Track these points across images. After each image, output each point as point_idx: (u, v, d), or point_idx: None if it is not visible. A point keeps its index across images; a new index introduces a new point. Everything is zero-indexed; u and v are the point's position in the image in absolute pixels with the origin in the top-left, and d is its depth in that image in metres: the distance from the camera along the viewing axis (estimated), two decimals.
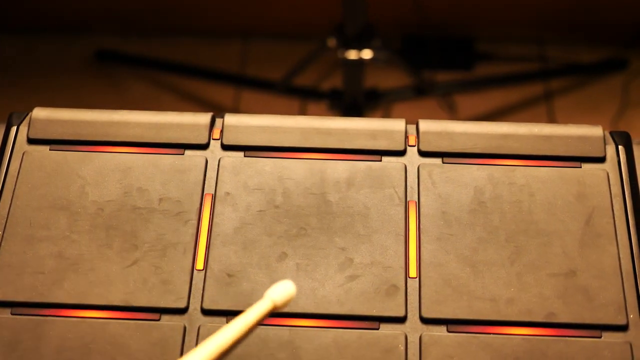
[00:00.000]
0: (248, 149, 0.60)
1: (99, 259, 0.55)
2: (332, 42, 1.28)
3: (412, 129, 0.61)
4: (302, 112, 1.47)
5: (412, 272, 0.55)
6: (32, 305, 0.53)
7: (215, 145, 0.60)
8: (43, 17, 1.58)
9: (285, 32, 1.57)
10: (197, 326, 0.52)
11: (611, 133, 0.61)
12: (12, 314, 0.53)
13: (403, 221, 0.57)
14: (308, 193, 0.58)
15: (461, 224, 0.57)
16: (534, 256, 0.55)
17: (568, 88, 1.53)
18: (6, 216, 0.57)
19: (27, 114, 0.61)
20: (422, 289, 0.54)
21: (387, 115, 1.47)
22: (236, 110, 1.49)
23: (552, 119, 1.48)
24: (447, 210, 0.57)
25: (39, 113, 0.61)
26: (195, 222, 0.57)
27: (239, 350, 0.50)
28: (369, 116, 1.40)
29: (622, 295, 0.53)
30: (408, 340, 0.52)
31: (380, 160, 0.60)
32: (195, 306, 0.53)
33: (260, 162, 0.59)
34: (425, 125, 0.61)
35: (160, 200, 0.58)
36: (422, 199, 0.58)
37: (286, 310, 0.52)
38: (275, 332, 0.52)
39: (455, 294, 0.53)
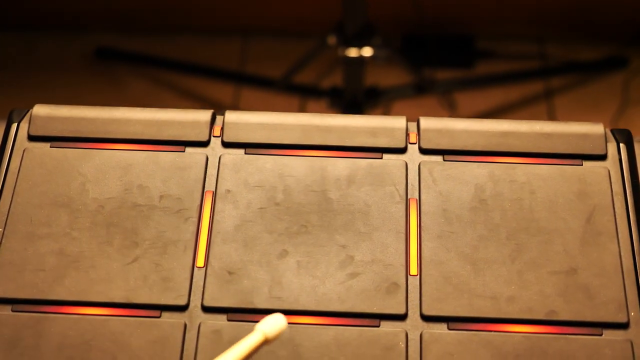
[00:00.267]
0: (249, 146, 0.60)
1: (100, 256, 0.55)
2: (332, 39, 1.28)
3: (412, 126, 0.61)
4: (302, 110, 1.47)
5: (413, 269, 0.55)
6: (32, 302, 0.53)
7: (215, 142, 0.60)
8: (43, 15, 1.58)
9: (285, 29, 1.57)
10: (198, 323, 0.52)
11: (612, 131, 0.61)
12: (12, 311, 0.53)
13: (404, 219, 0.57)
14: (309, 190, 0.58)
15: (462, 222, 0.56)
16: (534, 254, 0.55)
17: (568, 86, 1.53)
18: (7, 213, 0.57)
19: (27, 111, 0.61)
20: (422, 286, 0.54)
21: (387, 113, 1.47)
22: (236, 108, 1.49)
23: (552, 117, 1.48)
24: (448, 207, 0.57)
25: (39, 110, 0.61)
26: (195, 219, 0.56)
27: None
28: (369, 114, 1.40)
29: (623, 293, 0.53)
30: (409, 338, 0.52)
31: (381, 158, 0.60)
32: (195, 303, 0.53)
33: (261, 159, 0.59)
34: (426, 122, 0.61)
35: (161, 197, 0.57)
36: (423, 197, 0.58)
37: (287, 307, 0.53)
38: None
39: (456, 291, 0.53)
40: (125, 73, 1.55)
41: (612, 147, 0.60)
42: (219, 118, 0.62)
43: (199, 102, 1.51)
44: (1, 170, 0.58)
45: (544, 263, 0.55)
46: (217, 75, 1.49)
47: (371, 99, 1.38)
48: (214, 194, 0.58)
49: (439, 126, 0.61)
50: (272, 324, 0.48)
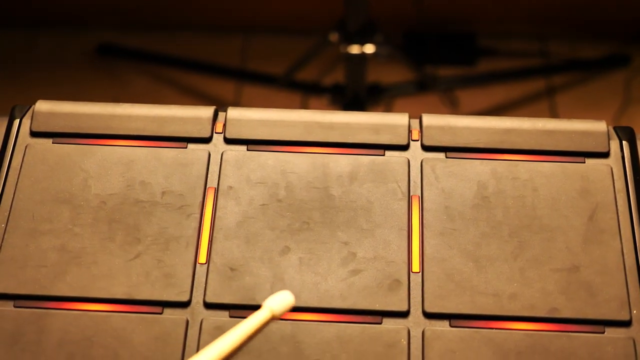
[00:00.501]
0: (251, 143, 0.60)
1: (102, 252, 0.55)
2: (334, 36, 1.28)
3: (415, 123, 0.61)
4: (304, 106, 1.47)
5: (415, 266, 0.55)
6: (34, 298, 0.53)
7: (218, 138, 0.60)
8: (44, 12, 1.58)
9: (287, 26, 1.57)
10: (200, 320, 0.52)
11: (615, 128, 0.61)
12: (14, 306, 0.53)
13: (406, 216, 0.57)
14: (311, 187, 0.58)
15: (464, 219, 0.56)
16: (537, 251, 0.55)
17: (570, 84, 1.53)
18: (9, 209, 0.57)
19: (29, 107, 0.61)
20: (425, 283, 0.54)
21: (389, 110, 1.47)
22: (237, 105, 1.49)
23: (554, 115, 1.48)
24: (450, 205, 0.57)
25: (41, 106, 0.61)
26: (197, 215, 0.56)
27: None
28: (371, 111, 1.40)
29: (625, 290, 0.53)
30: (411, 335, 0.52)
31: (384, 155, 0.60)
32: (197, 300, 0.53)
33: (263, 155, 0.59)
34: (428, 119, 0.61)
35: (163, 193, 0.57)
36: (425, 194, 0.58)
37: None
38: (277, 326, 0.52)
39: (458, 288, 0.53)
40: (126, 70, 1.55)
41: (614, 145, 0.60)
42: (221, 114, 0.62)
43: (201, 99, 1.51)
44: (3, 166, 0.58)
45: (546, 260, 0.55)
46: (218, 72, 1.49)
47: (373, 96, 1.38)
48: (216, 191, 0.58)
49: (442, 123, 0.61)
50: (280, 301, 0.47)
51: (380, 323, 0.52)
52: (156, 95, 1.51)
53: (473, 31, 1.57)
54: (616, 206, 0.57)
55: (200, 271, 0.54)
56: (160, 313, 0.53)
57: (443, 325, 0.52)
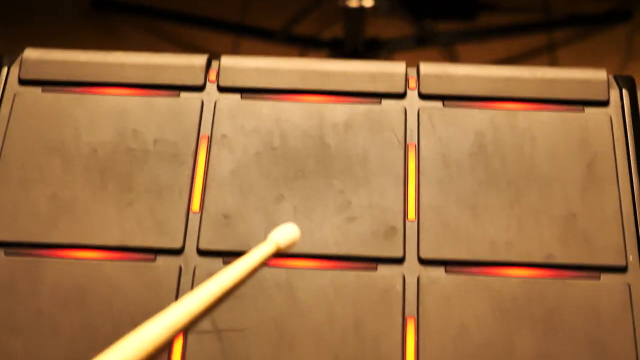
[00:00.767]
0: (245, 91, 0.59)
1: (94, 200, 0.54)
2: None
3: (412, 72, 0.60)
4: None
5: (411, 214, 0.54)
6: (26, 246, 0.53)
7: (211, 87, 0.59)
8: None
9: None
10: (193, 266, 0.52)
11: (615, 77, 0.60)
12: (6, 254, 0.53)
13: (402, 164, 0.56)
14: (306, 136, 0.57)
15: (461, 168, 0.56)
16: (534, 200, 0.54)
17: (571, 39, 1.51)
18: None
19: (18, 56, 0.60)
20: (420, 230, 0.53)
21: None
22: None
23: None
24: (447, 153, 0.56)
25: (30, 54, 0.60)
26: (191, 164, 0.56)
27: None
28: None
29: (621, 237, 0.53)
30: (406, 281, 0.52)
31: (380, 103, 0.59)
32: (191, 247, 0.53)
33: (258, 104, 0.58)
34: (426, 68, 0.60)
35: (156, 142, 0.57)
36: (421, 142, 0.57)
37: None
38: (272, 273, 0.51)
39: (454, 235, 0.53)
40: (122, 24, 1.53)
41: (614, 94, 0.59)
42: (214, 63, 0.61)
43: (197, 53, 1.49)
44: None
45: (543, 208, 0.54)
46: (215, 26, 1.48)
47: (371, 51, 1.37)
48: (210, 139, 0.57)
49: (439, 72, 0.60)
50: (285, 234, 0.46)
51: (375, 270, 0.52)
52: (152, 49, 1.49)
53: None
54: (615, 155, 0.56)
55: (194, 219, 0.54)
56: (153, 260, 0.52)
57: (438, 272, 0.52)
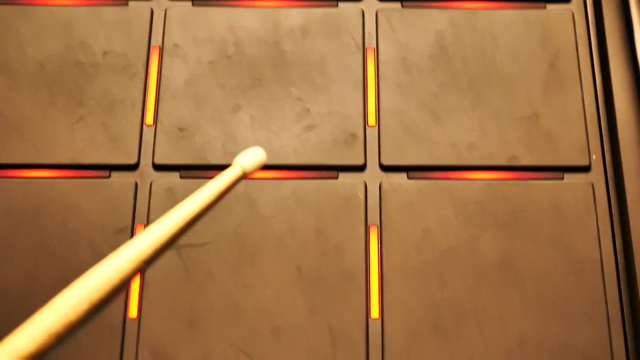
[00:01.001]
0: None
1: (43, 117, 0.52)
2: None
3: None
4: None
5: (371, 120, 0.53)
6: None
7: None
8: None
9: None
10: (149, 182, 0.51)
11: None
12: None
13: (361, 69, 0.54)
14: (261, 42, 0.55)
15: (421, 71, 0.54)
16: (496, 101, 0.53)
17: None
18: None
19: None
20: (381, 136, 0.52)
21: None
22: None
23: None
24: (406, 56, 0.55)
25: None
26: (142, 75, 0.54)
27: None
28: None
29: (585, 137, 0.52)
30: (367, 188, 0.51)
31: (337, 6, 0.57)
32: (146, 162, 0.51)
33: (210, 11, 0.56)
34: None
35: (105, 54, 0.54)
36: (380, 46, 0.55)
37: None
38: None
39: (415, 140, 0.52)
40: None
41: None
42: None
43: None
44: None
45: (505, 110, 0.53)
46: None
47: None
48: (161, 49, 0.55)
49: None
50: (250, 157, 0.45)
51: (336, 178, 0.51)
52: None
53: None
54: (577, 52, 0.55)
55: (148, 133, 0.52)
56: (108, 177, 0.51)
57: (400, 178, 0.51)
